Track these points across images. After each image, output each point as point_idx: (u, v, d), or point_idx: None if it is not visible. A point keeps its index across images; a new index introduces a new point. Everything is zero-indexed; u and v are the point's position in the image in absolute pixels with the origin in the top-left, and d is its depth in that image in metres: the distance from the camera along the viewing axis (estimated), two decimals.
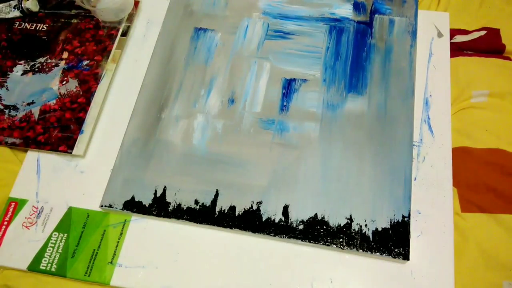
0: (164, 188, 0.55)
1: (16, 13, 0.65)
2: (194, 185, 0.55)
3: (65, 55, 0.63)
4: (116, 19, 0.66)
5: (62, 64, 0.63)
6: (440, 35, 0.64)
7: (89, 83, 0.61)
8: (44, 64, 0.63)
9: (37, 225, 0.54)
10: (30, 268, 0.52)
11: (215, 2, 0.68)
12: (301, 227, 0.52)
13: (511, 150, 0.55)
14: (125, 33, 0.66)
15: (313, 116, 0.58)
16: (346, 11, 0.65)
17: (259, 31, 0.65)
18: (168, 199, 0.54)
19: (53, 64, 0.63)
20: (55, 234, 0.54)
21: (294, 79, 0.61)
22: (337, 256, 0.51)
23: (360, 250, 0.50)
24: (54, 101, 0.60)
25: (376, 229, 0.51)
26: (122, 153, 0.57)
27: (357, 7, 0.66)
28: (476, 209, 0.53)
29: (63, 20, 0.67)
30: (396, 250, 0.50)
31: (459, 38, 0.65)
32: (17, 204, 0.56)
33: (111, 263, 0.52)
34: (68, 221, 0.54)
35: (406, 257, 0.50)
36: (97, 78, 0.61)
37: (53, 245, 0.53)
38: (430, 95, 0.60)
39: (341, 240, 0.51)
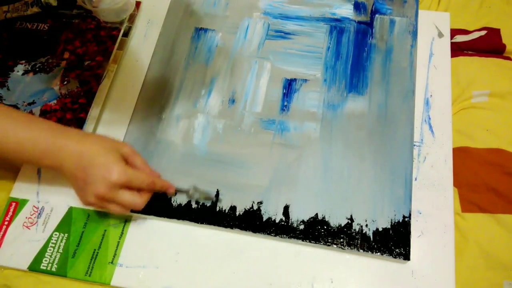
0: None
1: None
2: (195, 185, 0.55)
3: (66, 55, 0.64)
4: (117, 20, 0.66)
5: (63, 64, 0.63)
6: (440, 35, 0.64)
7: (90, 83, 0.61)
8: (45, 64, 0.63)
9: (37, 225, 0.54)
10: (31, 268, 0.52)
11: (215, 2, 0.68)
12: (301, 227, 0.52)
13: (511, 150, 0.55)
14: (126, 34, 0.66)
15: (314, 116, 0.58)
16: (346, 11, 0.65)
17: (260, 31, 0.65)
18: (169, 198, 0.54)
19: (54, 64, 0.63)
20: (55, 234, 0.54)
21: (295, 79, 0.61)
22: (337, 256, 0.51)
23: (361, 250, 0.50)
24: (55, 101, 0.60)
25: (377, 229, 0.51)
26: None
27: (357, 7, 0.66)
28: (476, 209, 0.53)
29: (64, 20, 0.67)
30: (397, 250, 0.50)
31: (460, 38, 0.65)
32: (18, 204, 0.56)
33: (111, 263, 0.52)
34: (69, 221, 0.54)
35: (406, 257, 0.50)
36: (98, 79, 0.61)
37: (53, 245, 0.53)
38: (431, 95, 0.60)
39: (341, 240, 0.51)
